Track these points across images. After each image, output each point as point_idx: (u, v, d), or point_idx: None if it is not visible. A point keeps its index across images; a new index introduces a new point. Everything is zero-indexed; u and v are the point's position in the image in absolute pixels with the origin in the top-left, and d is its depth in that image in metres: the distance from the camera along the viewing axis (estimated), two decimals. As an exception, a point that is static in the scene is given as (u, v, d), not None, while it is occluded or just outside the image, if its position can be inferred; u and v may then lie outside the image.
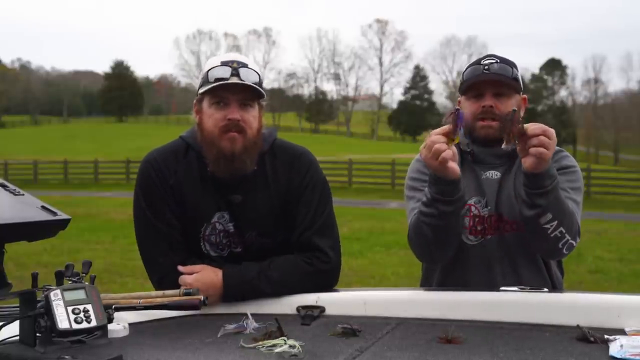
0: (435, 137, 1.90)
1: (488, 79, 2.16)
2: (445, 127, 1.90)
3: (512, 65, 2.21)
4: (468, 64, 2.28)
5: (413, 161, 2.32)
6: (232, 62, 2.01)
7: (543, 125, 1.90)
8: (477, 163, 2.23)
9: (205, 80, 2.01)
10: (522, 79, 2.30)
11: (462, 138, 2.22)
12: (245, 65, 2.01)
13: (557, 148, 2.22)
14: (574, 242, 2.07)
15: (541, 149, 1.88)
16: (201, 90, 2.02)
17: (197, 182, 2.07)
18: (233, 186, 2.07)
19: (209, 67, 2.02)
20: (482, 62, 2.21)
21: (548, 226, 1.99)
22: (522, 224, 2.13)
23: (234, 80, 1.98)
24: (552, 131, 1.91)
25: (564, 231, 2.01)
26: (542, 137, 1.88)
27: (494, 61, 2.19)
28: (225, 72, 1.99)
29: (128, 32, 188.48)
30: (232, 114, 2.00)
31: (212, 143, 2.01)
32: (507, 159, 2.21)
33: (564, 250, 2.06)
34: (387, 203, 20.83)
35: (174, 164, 2.08)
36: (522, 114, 2.20)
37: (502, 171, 2.21)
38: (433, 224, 2.03)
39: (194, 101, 2.09)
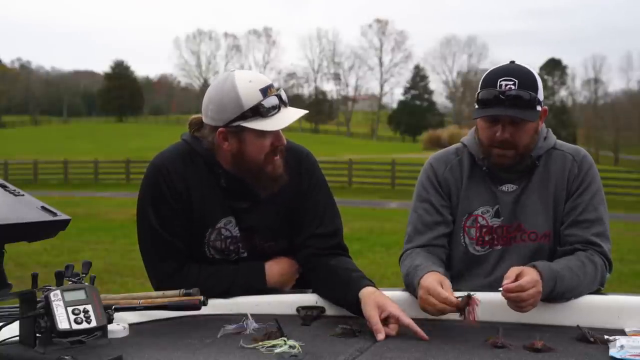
0: (439, 306, 1.79)
1: (502, 114, 2.06)
2: (454, 303, 1.77)
3: (530, 86, 2.06)
4: (483, 81, 2.12)
5: (424, 168, 2.28)
6: (268, 87, 1.96)
7: (517, 295, 1.80)
8: (491, 177, 2.18)
9: (256, 113, 1.93)
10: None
11: (477, 152, 2.19)
12: (272, 85, 1.98)
13: (573, 150, 2.19)
14: (600, 287, 2.05)
15: (520, 310, 1.83)
16: (257, 127, 1.94)
17: (205, 188, 2.06)
18: (243, 192, 2.07)
19: (251, 100, 1.93)
20: (498, 84, 2.06)
21: (565, 300, 1.94)
22: (540, 235, 2.13)
23: (284, 108, 1.97)
24: (526, 296, 1.80)
25: (583, 293, 1.96)
26: (517, 306, 1.82)
27: (511, 83, 2.05)
28: (272, 102, 1.95)
29: (128, 32, 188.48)
30: (280, 141, 2.01)
31: (258, 169, 2.00)
32: (523, 174, 2.17)
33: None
34: (387, 203, 20.82)
35: (182, 168, 2.06)
36: (541, 125, 2.15)
37: (520, 184, 2.16)
38: None
39: (222, 130, 1.97)
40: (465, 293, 1.79)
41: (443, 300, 1.78)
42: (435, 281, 1.83)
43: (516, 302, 1.80)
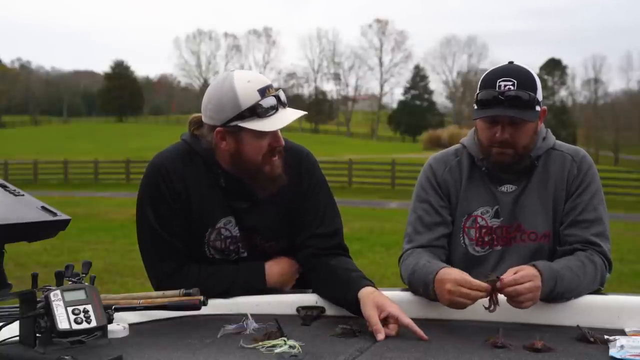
0: (473, 294, 1.79)
1: (501, 114, 2.06)
2: (486, 288, 1.79)
3: (529, 86, 2.06)
4: (482, 82, 2.13)
5: (424, 169, 2.28)
6: (266, 87, 1.95)
7: (514, 289, 1.79)
8: (491, 178, 2.19)
9: (253, 113, 1.92)
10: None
11: (476, 152, 2.19)
12: (272, 85, 1.98)
13: (572, 150, 2.19)
14: (600, 287, 2.05)
15: (519, 305, 1.83)
16: (254, 127, 1.93)
17: (204, 188, 2.06)
18: (242, 192, 2.07)
19: (249, 100, 1.93)
20: (497, 84, 2.06)
21: (565, 300, 1.94)
22: (539, 235, 2.13)
23: (282, 109, 1.97)
24: (522, 289, 1.80)
25: (583, 293, 1.96)
26: (514, 300, 1.82)
27: (510, 83, 2.05)
28: (270, 102, 1.94)
29: (128, 32, 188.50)
30: (278, 142, 2.00)
31: (256, 170, 2.00)
32: (522, 175, 2.17)
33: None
34: (387, 203, 20.82)
35: (181, 168, 2.06)
36: (540, 125, 2.16)
37: (519, 185, 2.16)
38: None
39: (220, 129, 1.97)
40: (494, 276, 1.80)
41: (476, 287, 1.79)
42: (460, 272, 1.85)
43: (513, 296, 1.80)
